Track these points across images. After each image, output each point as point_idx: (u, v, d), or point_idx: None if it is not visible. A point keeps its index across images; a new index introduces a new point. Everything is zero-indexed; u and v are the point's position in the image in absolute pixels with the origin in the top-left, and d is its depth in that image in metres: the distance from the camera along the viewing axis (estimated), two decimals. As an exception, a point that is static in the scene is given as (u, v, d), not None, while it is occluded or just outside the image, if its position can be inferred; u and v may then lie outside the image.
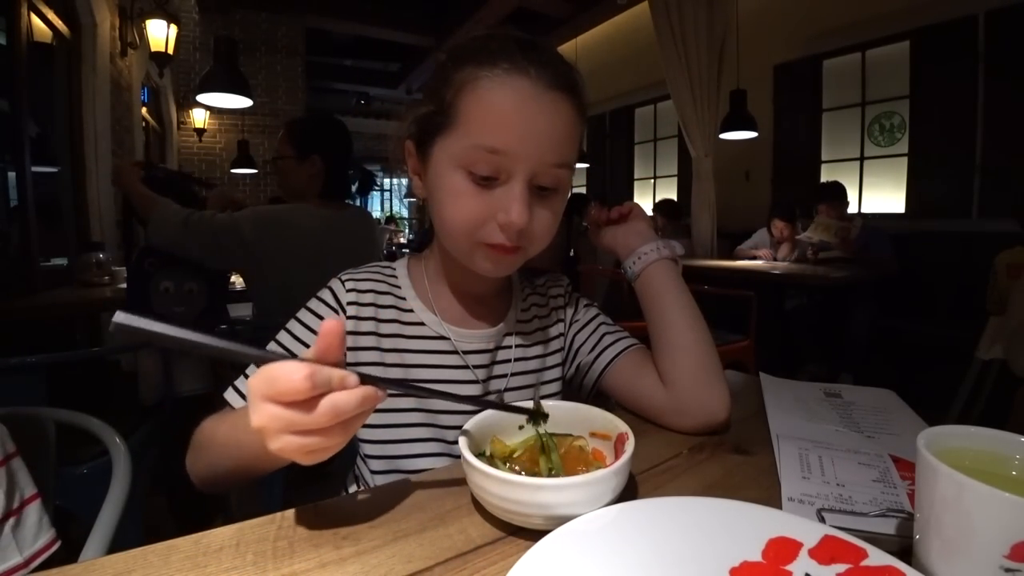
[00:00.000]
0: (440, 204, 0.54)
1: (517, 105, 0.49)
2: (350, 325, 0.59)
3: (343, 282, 0.61)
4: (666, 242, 0.65)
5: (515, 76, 0.50)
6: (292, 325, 0.59)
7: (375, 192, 11.50)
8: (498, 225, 0.52)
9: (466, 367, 0.60)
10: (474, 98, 0.50)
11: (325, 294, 0.61)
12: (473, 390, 0.60)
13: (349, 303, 0.59)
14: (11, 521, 0.53)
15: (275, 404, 0.33)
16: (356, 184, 1.74)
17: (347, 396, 0.34)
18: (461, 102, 0.51)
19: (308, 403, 0.33)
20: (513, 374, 0.63)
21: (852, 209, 3.85)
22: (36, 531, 0.55)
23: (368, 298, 0.60)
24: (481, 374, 0.61)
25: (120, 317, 0.30)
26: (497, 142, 0.49)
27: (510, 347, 0.64)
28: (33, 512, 0.55)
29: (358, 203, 1.87)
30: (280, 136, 1.61)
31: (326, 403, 0.33)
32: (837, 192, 3.28)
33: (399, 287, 0.63)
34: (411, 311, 0.61)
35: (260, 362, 0.34)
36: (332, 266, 0.66)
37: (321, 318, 0.59)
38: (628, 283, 0.67)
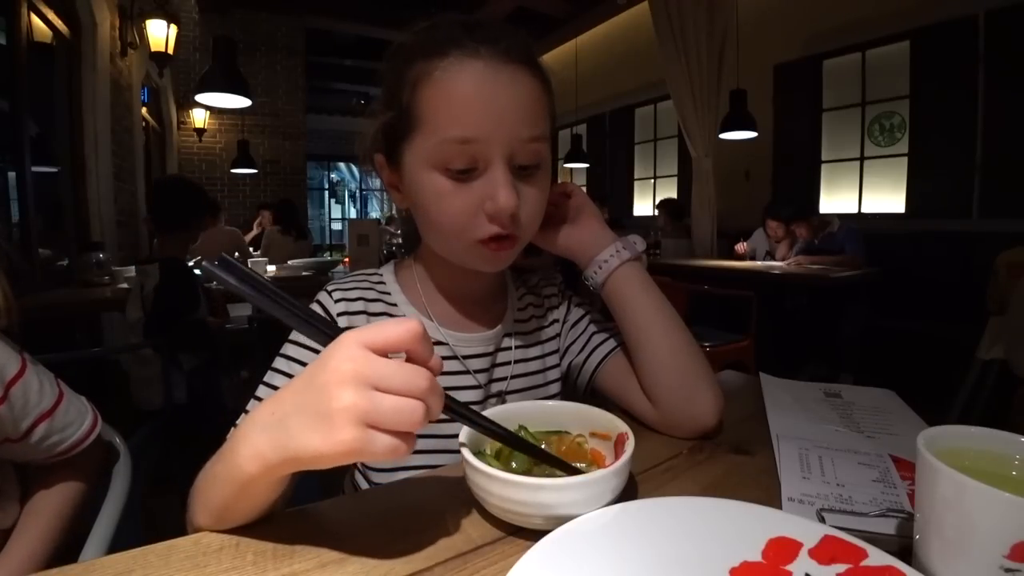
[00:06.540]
0: (424, 210, 0.52)
1: (476, 88, 0.48)
2: None
3: (330, 293, 0.58)
4: (624, 241, 0.60)
5: (467, 61, 0.48)
6: (288, 348, 0.54)
7: (375, 192, 11.50)
8: (487, 215, 0.50)
9: (467, 372, 0.59)
10: (431, 93, 0.48)
11: (314, 308, 0.58)
12: (474, 395, 0.59)
13: (339, 314, 0.57)
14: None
15: (364, 384, 0.31)
16: None
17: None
18: (419, 101, 0.49)
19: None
20: (513, 376, 0.62)
21: (852, 209, 3.85)
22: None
23: (358, 306, 0.58)
24: (482, 378, 0.60)
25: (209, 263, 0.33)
26: (465, 131, 0.47)
27: (509, 348, 0.62)
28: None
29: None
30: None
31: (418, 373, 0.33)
32: (803, 210, 3.35)
33: (388, 293, 0.61)
34: (404, 317, 0.59)
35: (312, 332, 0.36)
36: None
37: None
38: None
